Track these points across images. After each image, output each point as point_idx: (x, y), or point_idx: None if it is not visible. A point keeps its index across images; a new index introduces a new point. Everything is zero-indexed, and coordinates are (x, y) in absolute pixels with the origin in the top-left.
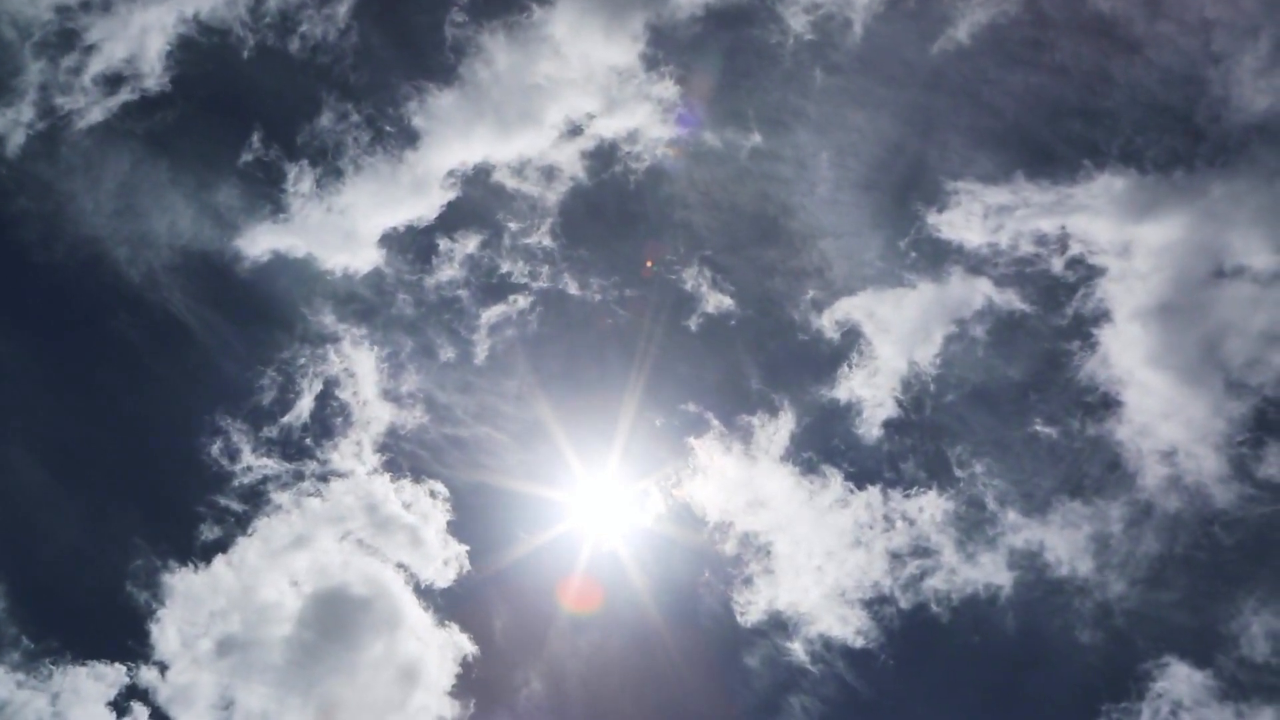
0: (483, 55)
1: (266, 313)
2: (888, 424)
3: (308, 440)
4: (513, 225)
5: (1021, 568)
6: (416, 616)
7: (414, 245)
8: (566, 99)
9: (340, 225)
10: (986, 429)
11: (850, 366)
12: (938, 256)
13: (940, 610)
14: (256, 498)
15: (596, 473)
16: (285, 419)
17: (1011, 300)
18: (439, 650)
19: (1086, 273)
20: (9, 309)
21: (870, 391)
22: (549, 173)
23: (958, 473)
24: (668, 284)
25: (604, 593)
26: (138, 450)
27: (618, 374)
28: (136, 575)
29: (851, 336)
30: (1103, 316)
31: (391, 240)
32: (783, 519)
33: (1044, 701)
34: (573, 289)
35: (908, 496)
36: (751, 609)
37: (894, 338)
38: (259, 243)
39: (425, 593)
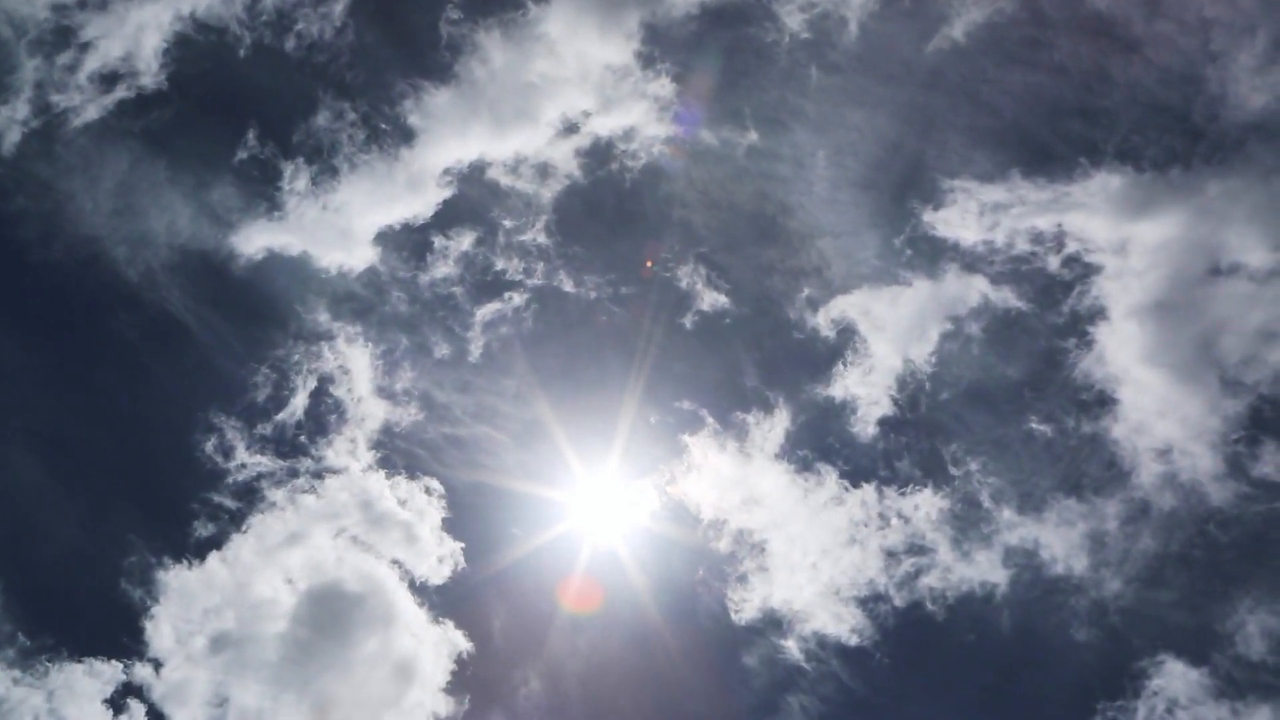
0: (478, 53)
1: (261, 311)
2: (883, 422)
3: (302, 438)
4: (508, 223)
5: (1017, 566)
6: (411, 613)
7: (409, 243)
8: (562, 97)
9: (335, 223)
10: (982, 427)
11: (845, 364)
12: (933, 254)
13: (936, 608)
14: (251, 495)
15: (591, 470)
16: (280, 416)
17: (1007, 298)
18: (434, 647)
19: (1083, 270)
20: (6, 308)
21: (865, 389)
22: (545, 171)
23: (953, 471)
24: (663, 282)
25: (598, 590)
26: (133, 447)
27: (612, 372)
28: (131, 572)
29: (847, 334)
30: (1099, 314)
31: (387, 238)
32: (778, 517)
33: (1039, 700)
34: (568, 286)
35: (903, 494)
36: (746, 607)
37: (889, 336)
38: (255, 241)
39: (420, 589)
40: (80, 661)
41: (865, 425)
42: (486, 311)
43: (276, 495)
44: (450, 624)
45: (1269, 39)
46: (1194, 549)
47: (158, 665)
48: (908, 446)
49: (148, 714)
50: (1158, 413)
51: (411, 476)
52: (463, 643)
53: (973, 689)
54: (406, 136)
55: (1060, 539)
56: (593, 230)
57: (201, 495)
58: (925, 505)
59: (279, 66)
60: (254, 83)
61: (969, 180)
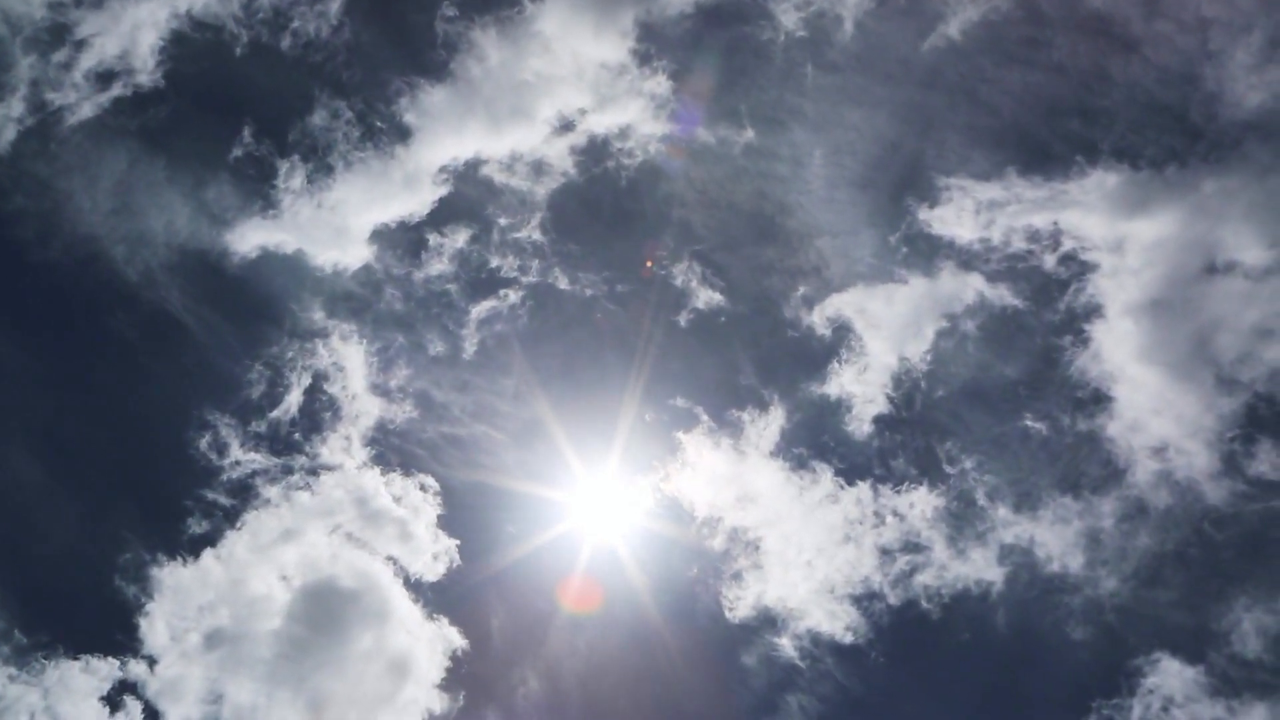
0: (474, 51)
1: (256, 308)
2: (878, 420)
3: (296, 435)
4: (505, 220)
5: (1012, 564)
6: (406, 610)
7: (404, 241)
8: (558, 95)
9: (331, 221)
10: (977, 425)
11: (841, 362)
12: (929, 252)
13: (931, 607)
14: (245, 491)
15: (586, 468)
16: (274, 414)
17: (1003, 296)
18: (429, 644)
19: (1079, 268)
20: (3, 307)
21: (861, 387)
22: (541, 168)
23: (948, 469)
24: (659, 280)
25: (591, 586)
26: (128, 445)
27: (607, 369)
28: (125, 569)
29: (842, 332)
30: (1094, 312)
31: (382, 236)
32: (772, 514)
33: (1035, 698)
34: (563, 284)
35: (898, 492)
36: (740, 605)
37: (885, 334)
38: (250, 239)
39: (415, 586)
40: (76, 659)
41: (860, 423)
42: (482, 309)
43: (271, 492)
44: (445, 621)
45: (1266, 38)
46: (1190, 547)
47: (152, 662)
48: (903, 444)
49: (144, 711)
50: (1153, 411)
51: (406, 473)
52: (457, 640)
53: (968, 687)
54: (402, 134)
55: (1056, 537)
56: (588, 228)
57: (196, 492)
58: (920, 503)
59: (275, 64)
60: (250, 81)
61: (965, 178)
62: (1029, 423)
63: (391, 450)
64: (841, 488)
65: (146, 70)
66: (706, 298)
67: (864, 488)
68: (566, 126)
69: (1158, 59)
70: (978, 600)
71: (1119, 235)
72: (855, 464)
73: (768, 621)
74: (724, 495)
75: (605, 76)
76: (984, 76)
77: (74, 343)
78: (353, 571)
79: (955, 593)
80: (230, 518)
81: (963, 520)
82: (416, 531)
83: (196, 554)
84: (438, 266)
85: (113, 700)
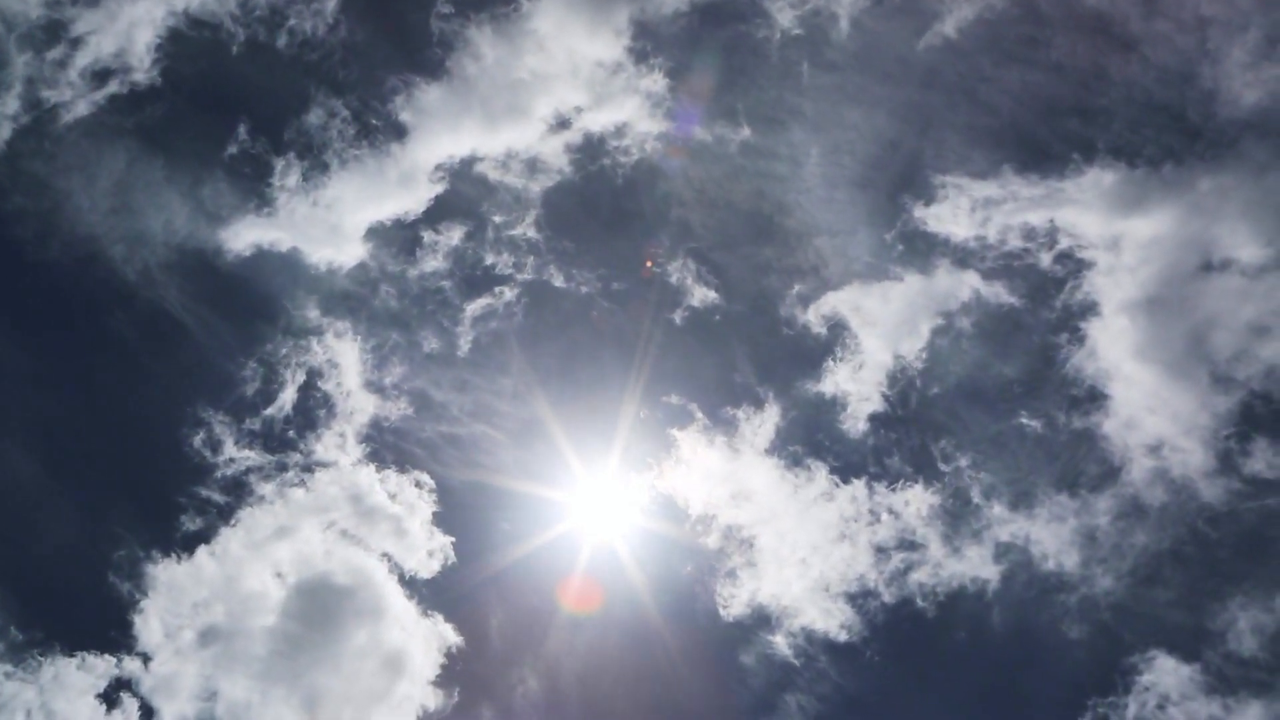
0: (470, 49)
1: (251, 306)
2: (874, 418)
3: (290, 432)
4: (500, 218)
5: (1008, 562)
6: (401, 607)
7: (400, 239)
8: (554, 93)
9: (326, 219)
10: (973, 423)
11: (836, 360)
12: (925, 250)
13: (926, 605)
14: (240, 489)
15: (579, 465)
16: (268, 411)
17: (999, 293)
18: (423, 641)
19: (1075, 266)
20: (2, 306)
21: (856, 385)
22: (537, 166)
23: (943, 467)
24: (654, 277)
25: (584, 583)
26: (123, 442)
27: (602, 367)
28: (119, 566)
29: (838, 330)
30: (1090, 310)
31: (377, 234)
32: (767, 512)
33: (1031, 696)
34: (558, 281)
35: (893, 490)
36: (734, 603)
37: (881, 331)
38: (246, 237)
39: (410, 583)
40: (72, 656)
41: (856, 421)
42: (476, 306)
43: (265, 489)
44: (440, 617)
45: (1263, 36)
46: (1185, 545)
47: (147, 659)
48: (898, 442)
49: (139, 709)
50: (1149, 409)
51: (401, 470)
52: (452, 636)
53: (963, 685)
54: (398, 133)
55: (1051, 535)
56: (584, 226)
57: (190, 489)
58: (916, 501)
59: (270, 63)
60: (246, 79)
61: (961, 176)
62: (1025, 421)
63: (386, 447)
64: (836, 485)
65: (143, 68)
66: (702, 296)
67: (859, 485)
68: (562, 124)
69: (1156, 58)
70: (973, 598)
71: (1115, 233)
72: (850, 462)
73: (762, 620)
74: (719, 493)
75: (601, 75)
76: (982, 76)
77: (70, 341)
78: (347, 568)
79: (951, 591)
80: (224, 515)
81: (958, 518)
82: (411, 528)
83: (191, 551)
84: (432, 264)
85: (109, 698)
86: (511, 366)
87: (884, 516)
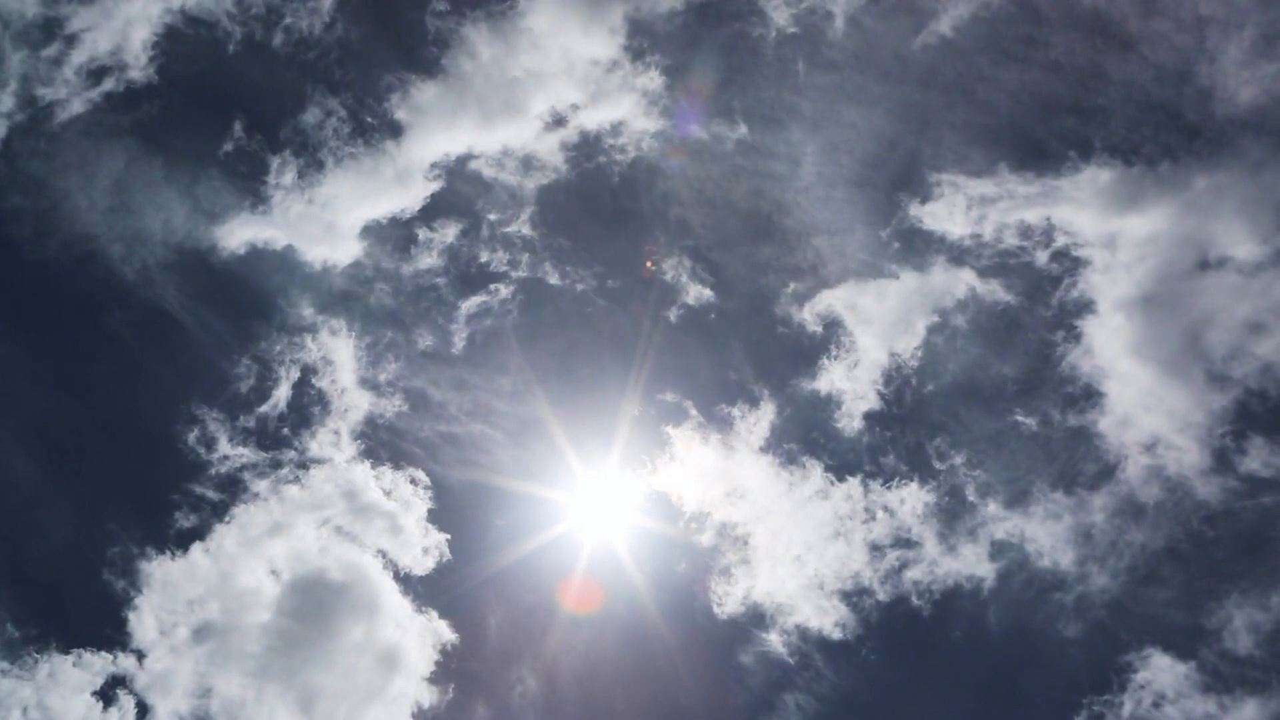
0: (466, 47)
1: (246, 304)
2: (869, 415)
3: (285, 430)
4: (495, 216)
5: (1003, 560)
6: (396, 603)
7: (396, 237)
8: (550, 90)
9: (322, 217)
10: (969, 420)
11: (832, 358)
12: (921, 248)
13: (921, 603)
14: (234, 486)
15: (573, 462)
16: (263, 408)
17: (995, 291)
18: (418, 637)
19: (1071, 264)
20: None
21: (851, 383)
22: (535, 164)
23: (938, 465)
24: (649, 275)
25: (577, 580)
26: (117, 439)
27: (596, 363)
28: (114, 562)
29: (833, 328)
30: (1086, 308)
31: (373, 232)
32: (762, 510)
33: (1026, 694)
34: (554, 279)
35: (889, 488)
36: (729, 600)
37: (876, 329)
38: (241, 235)
39: (405, 580)
40: (68, 653)
41: (851, 419)
42: (471, 304)
43: (260, 486)
44: (434, 614)
45: (1259, 34)
46: (1181, 544)
47: (141, 656)
48: (893, 440)
49: (135, 706)
50: (1145, 407)
51: (396, 467)
52: (447, 633)
53: (959, 683)
54: (394, 131)
55: (1047, 533)
56: (580, 223)
57: (184, 486)
58: (911, 499)
59: (267, 61)
60: (242, 77)
61: (957, 174)
62: (1020, 419)
63: (380, 444)
64: (831, 483)
65: (139, 66)
66: (697, 294)
67: (854, 483)
68: (559, 122)
69: (1153, 56)
70: (968, 596)
71: (1111, 231)
72: (845, 460)
73: (756, 618)
74: (713, 491)
75: (597, 72)
76: (980, 74)
77: (66, 339)
78: (342, 565)
79: (946, 589)
80: (219, 512)
81: (953, 516)
82: (406, 525)
83: (185, 548)
84: (427, 261)
85: (105, 695)
86: (506, 364)
87: (879, 514)
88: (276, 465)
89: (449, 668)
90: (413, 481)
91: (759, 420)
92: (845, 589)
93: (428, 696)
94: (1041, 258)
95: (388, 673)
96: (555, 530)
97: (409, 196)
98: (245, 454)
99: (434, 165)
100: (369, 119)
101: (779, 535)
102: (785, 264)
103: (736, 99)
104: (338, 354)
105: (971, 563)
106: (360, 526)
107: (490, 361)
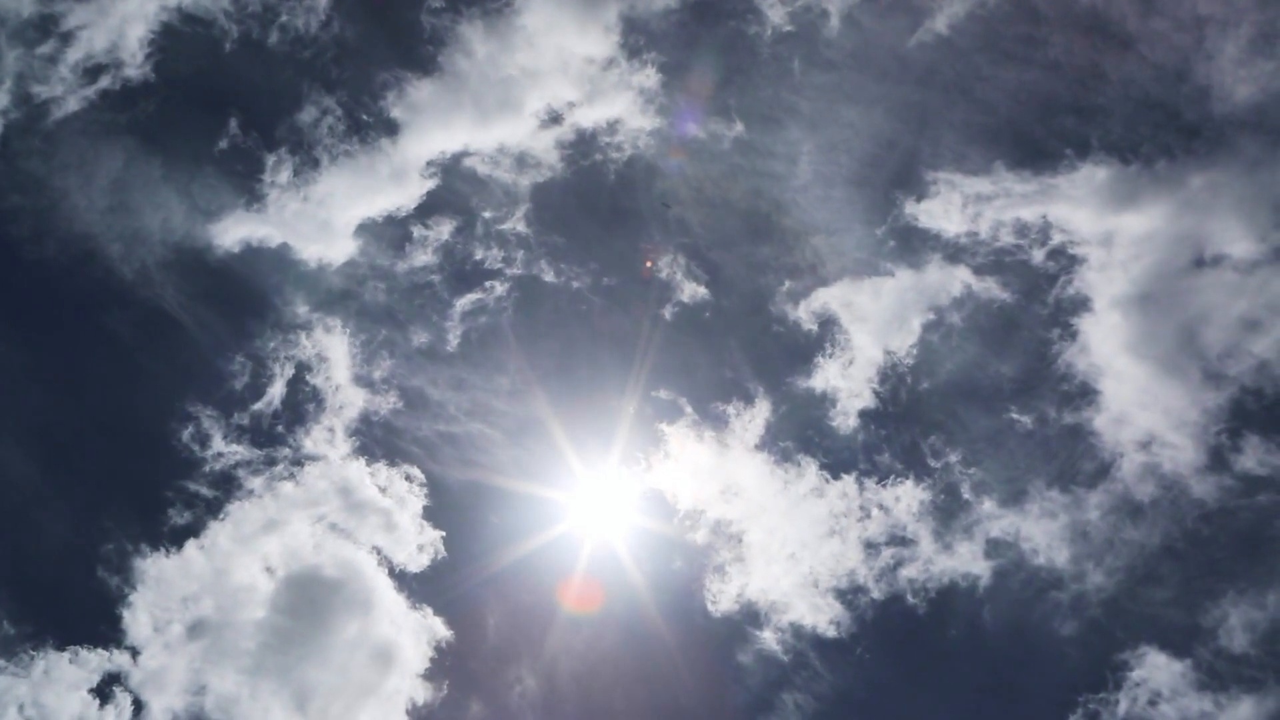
0: (461, 45)
1: (240, 302)
2: (864, 413)
3: (279, 427)
4: (490, 213)
5: (999, 558)
6: (391, 600)
7: (391, 234)
8: (547, 89)
9: (317, 215)
10: (964, 418)
11: (827, 356)
12: (917, 245)
13: (916, 601)
14: (228, 483)
15: (567, 459)
16: (257, 405)
17: (991, 289)
18: (413, 634)
19: (1067, 262)
20: None
21: (847, 381)
22: (529, 162)
23: (934, 462)
24: (644, 272)
25: (571, 576)
26: (112, 437)
27: (591, 361)
28: (108, 559)
29: (829, 326)
30: (1082, 305)
31: (368, 229)
32: (756, 507)
33: (1021, 692)
34: (548, 276)
35: (884, 486)
36: (722, 598)
37: (871, 327)
38: (236, 232)
39: (399, 576)
40: (64, 650)
41: (846, 417)
42: (466, 301)
43: (254, 483)
44: (429, 611)
45: (1256, 32)
46: (1177, 542)
47: (135, 653)
48: (889, 438)
49: (131, 704)
50: (1140, 405)
51: (391, 464)
52: (442, 630)
53: (954, 681)
54: (389, 129)
55: (1042, 531)
56: (575, 221)
57: (177, 483)
58: (906, 497)
59: (263, 59)
60: (238, 75)
61: (954, 172)
62: (1016, 416)
63: (375, 441)
64: (826, 481)
65: (135, 64)
66: (692, 291)
67: (849, 481)
68: (554, 120)
69: (1151, 55)
70: (964, 594)
71: (1108, 229)
72: (840, 458)
73: (750, 615)
74: (708, 488)
75: (593, 70)
76: (977, 73)
77: (61, 336)
78: (336, 562)
79: (941, 587)
80: (213, 509)
81: (949, 514)
82: (401, 522)
83: (179, 545)
84: (422, 258)
85: (102, 692)
86: (501, 361)
87: (874, 512)
88: (271, 462)
89: (443, 664)
90: (408, 478)
91: (754, 418)
92: (840, 587)
93: (422, 693)
94: (1038, 256)
95: (382, 669)
96: (548, 527)
97: (404, 194)
98: (239, 451)
99: (430, 163)
100: (364, 117)
101: (774, 533)
102: (782, 263)
103: (733, 98)
104: (332, 351)
105: (967, 561)
106: (355, 523)
107: (485, 359)
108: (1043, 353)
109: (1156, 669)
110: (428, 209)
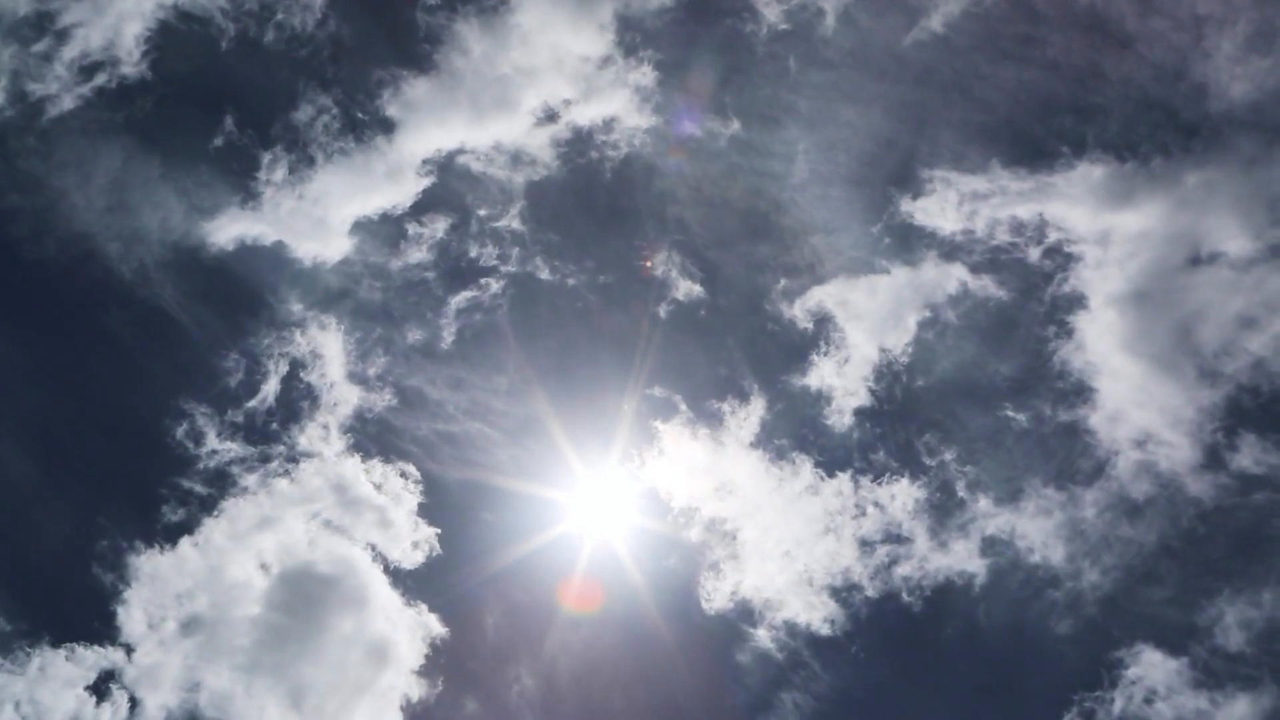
0: (457, 43)
1: (235, 299)
2: (859, 411)
3: (274, 424)
4: (485, 211)
5: (994, 556)
6: (385, 597)
7: (387, 232)
8: (542, 87)
9: (312, 213)
10: (960, 416)
11: (822, 354)
12: (913, 243)
13: (912, 599)
14: (222, 480)
15: (561, 457)
16: (251, 403)
17: (986, 287)
18: (408, 631)
19: (1063, 260)
20: None
21: (842, 379)
22: (525, 160)
23: (929, 460)
24: (639, 270)
25: (567, 575)
26: (107, 434)
27: (586, 359)
28: (102, 556)
29: (824, 324)
30: (1078, 303)
31: (364, 228)
32: (752, 505)
33: (1016, 691)
34: (544, 274)
35: (879, 484)
36: (717, 596)
37: (867, 325)
38: (231, 230)
39: (394, 573)
40: (60, 648)
41: (841, 415)
42: (461, 299)
43: (249, 480)
44: (424, 607)
45: (1252, 30)
46: (1173, 540)
47: (129, 650)
48: (884, 436)
49: (128, 701)
50: (1136, 403)
51: (386, 461)
52: (437, 627)
53: (949, 680)
54: (385, 127)
55: (1038, 529)
56: (570, 219)
57: (172, 480)
58: (901, 495)
59: (259, 57)
60: (234, 73)
61: (949, 170)
62: (1011, 414)
63: (369, 438)
64: (821, 479)
65: (131, 62)
66: (687, 289)
67: (844, 479)
68: (550, 118)
69: (1148, 53)
70: (959, 592)
71: (1104, 227)
72: (836, 455)
73: (745, 613)
74: (702, 486)
75: (589, 68)
76: (973, 71)
77: (60, 336)
78: (331, 558)
79: (937, 585)
80: (207, 506)
81: (944, 512)
82: (396, 519)
83: (174, 542)
84: (417, 255)
85: (99, 689)
86: (496, 358)
87: (869, 510)
88: (265, 459)
89: (438, 661)
90: (403, 475)
91: (749, 416)
92: (835, 585)
93: (417, 690)
94: (1034, 253)
95: (377, 666)
96: (543, 524)
97: (400, 192)
98: (234, 448)
99: (425, 161)
100: (360, 115)
101: (768, 531)
102: (778, 261)
103: (730, 96)
104: (327, 348)
105: (962, 559)
106: (349, 520)
107: (480, 356)
108: (1038, 351)
109: (1152, 667)
110: (423, 206)
